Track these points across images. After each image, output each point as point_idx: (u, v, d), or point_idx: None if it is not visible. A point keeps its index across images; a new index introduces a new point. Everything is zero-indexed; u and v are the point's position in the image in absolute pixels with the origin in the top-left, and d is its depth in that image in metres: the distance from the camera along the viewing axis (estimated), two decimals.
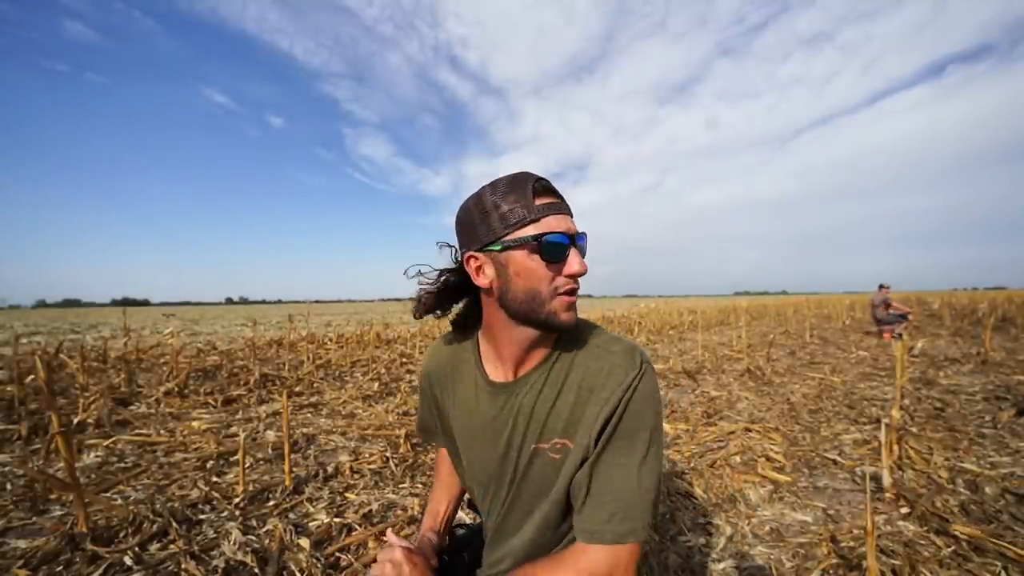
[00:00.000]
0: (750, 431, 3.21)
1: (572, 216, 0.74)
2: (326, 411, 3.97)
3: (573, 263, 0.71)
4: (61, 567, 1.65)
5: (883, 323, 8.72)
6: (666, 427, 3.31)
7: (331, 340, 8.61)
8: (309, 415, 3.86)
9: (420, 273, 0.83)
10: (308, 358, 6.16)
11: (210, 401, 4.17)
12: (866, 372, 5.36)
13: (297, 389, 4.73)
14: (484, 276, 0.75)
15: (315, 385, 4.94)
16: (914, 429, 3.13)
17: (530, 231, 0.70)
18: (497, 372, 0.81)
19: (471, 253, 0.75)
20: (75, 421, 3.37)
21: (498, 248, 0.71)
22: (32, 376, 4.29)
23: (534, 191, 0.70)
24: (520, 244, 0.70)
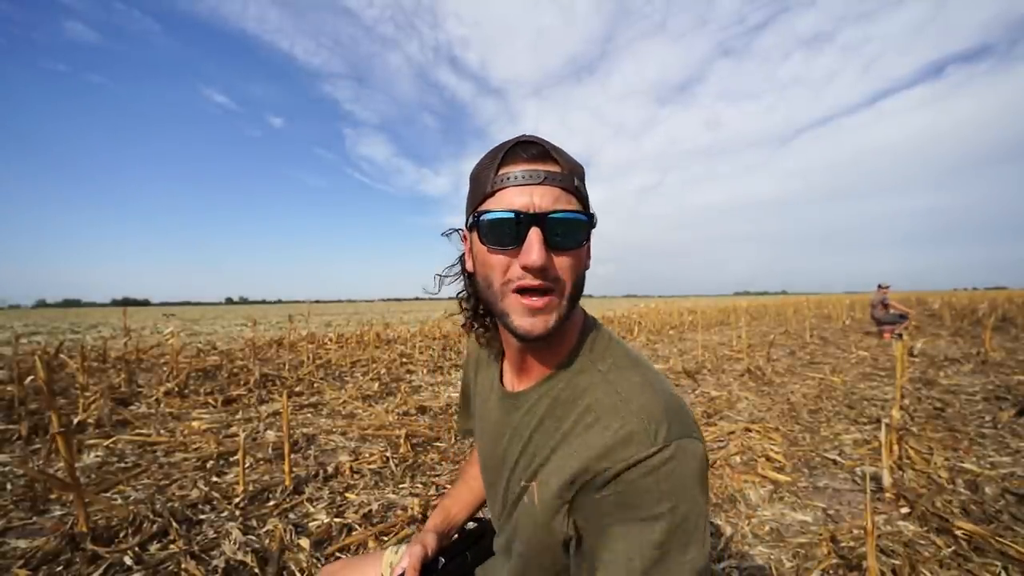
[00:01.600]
0: (750, 431, 3.21)
1: (567, 189, 0.55)
2: (326, 411, 3.97)
3: (529, 250, 0.52)
4: (61, 567, 1.65)
5: (883, 323, 8.73)
6: None
7: (331, 340, 8.61)
8: (309, 415, 3.86)
9: (442, 276, 0.71)
10: (308, 358, 6.16)
11: (210, 401, 4.17)
12: (866, 372, 5.36)
13: (297, 389, 4.73)
14: (469, 259, 0.64)
15: (315, 385, 4.93)
16: (914, 429, 3.13)
17: (483, 207, 0.56)
18: (509, 378, 0.71)
19: (463, 231, 0.65)
20: (75, 421, 3.37)
21: (467, 226, 0.60)
22: (32, 376, 4.29)
23: (505, 156, 0.55)
24: (474, 223, 0.57)
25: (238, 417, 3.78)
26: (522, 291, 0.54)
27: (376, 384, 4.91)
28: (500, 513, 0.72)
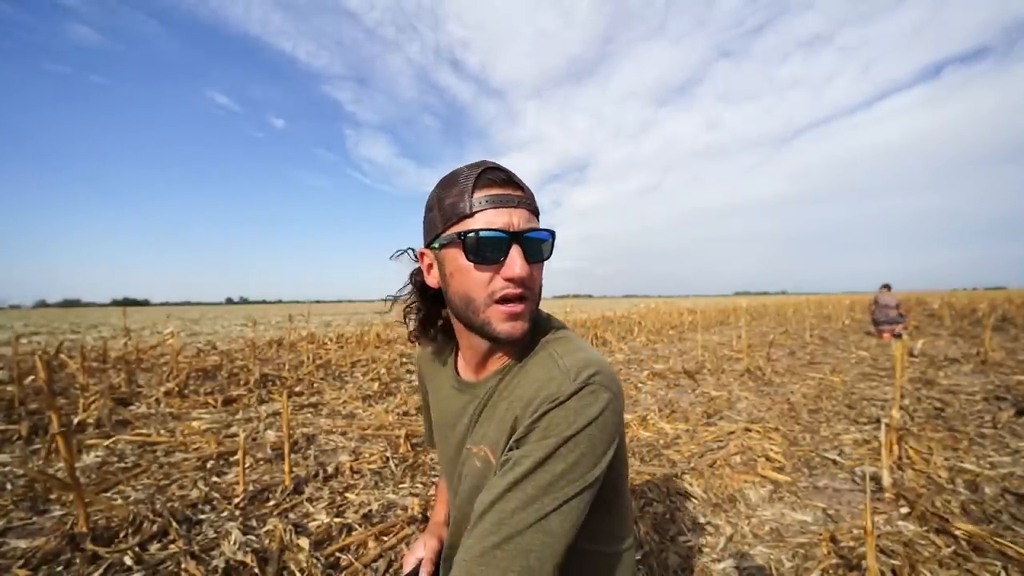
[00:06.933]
0: (750, 431, 3.21)
1: (532, 211, 0.65)
2: (326, 411, 3.97)
3: (512, 265, 0.60)
4: (61, 567, 1.65)
5: (885, 323, 8.71)
6: (666, 427, 3.31)
7: (331, 340, 8.61)
8: (309, 415, 3.86)
9: (396, 297, 0.79)
10: (308, 358, 6.16)
11: (210, 401, 4.17)
12: (866, 372, 5.36)
13: (297, 389, 4.73)
14: (432, 275, 0.71)
15: (315, 385, 4.93)
16: (914, 429, 3.13)
17: (462, 227, 0.63)
18: (466, 371, 0.78)
19: (422, 249, 0.72)
20: (75, 421, 3.36)
21: (438, 245, 0.67)
22: (32, 376, 4.30)
23: (477, 181, 0.63)
24: (452, 241, 0.63)
25: (238, 417, 3.78)
26: (503, 300, 0.63)
27: (376, 384, 4.90)
28: (455, 498, 0.75)
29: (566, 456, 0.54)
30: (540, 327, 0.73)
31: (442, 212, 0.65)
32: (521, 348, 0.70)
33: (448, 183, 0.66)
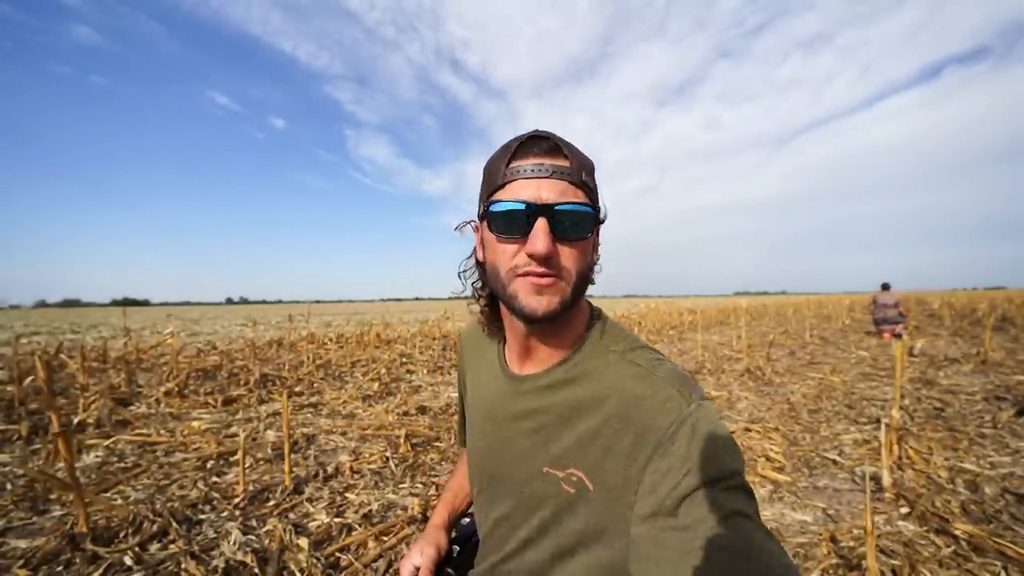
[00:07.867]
0: (750, 431, 3.21)
1: (576, 183, 0.57)
2: (326, 411, 3.97)
3: (535, 240, 0.53)
4: (61, 567, 1.65)
5: (885, 323, 8.71)
6: None
7: (331, 340, 8.61)
8: (309, 415, 3.86)
9: (463, 272, 0.73)
10: (308, 358, 6.16)
11: (210, 401, 4.17)
12: (866, 372, 5.36)
13: (297, 389, 4.73)
14: (480, 249, 0.66)
15: (315, 385, 4.94)
16: (914, 429, 3.13)
17: (494, 197, 0.58)
18: (513, 360, 0.71)
19: (475, 222, 0.67)
20: (75, 421, 3.37)
21: (479, 216, 0.63)
22: (32, 376, 4.29)
23: (517, 150, 0.58)
24: (484, 214, 0.60)
25: (238, 417, 3.78)
26: (527, 276, 0.57)
27: (376, 384, 4.91)
28: (495, 498, 0.69)
29: (741, 484, 0.49)
30: (594, 324, 0.66)
31: (485, 182, 0.62)
32: (573, 342, 0.64)
33: (496, 152, 0.61)
